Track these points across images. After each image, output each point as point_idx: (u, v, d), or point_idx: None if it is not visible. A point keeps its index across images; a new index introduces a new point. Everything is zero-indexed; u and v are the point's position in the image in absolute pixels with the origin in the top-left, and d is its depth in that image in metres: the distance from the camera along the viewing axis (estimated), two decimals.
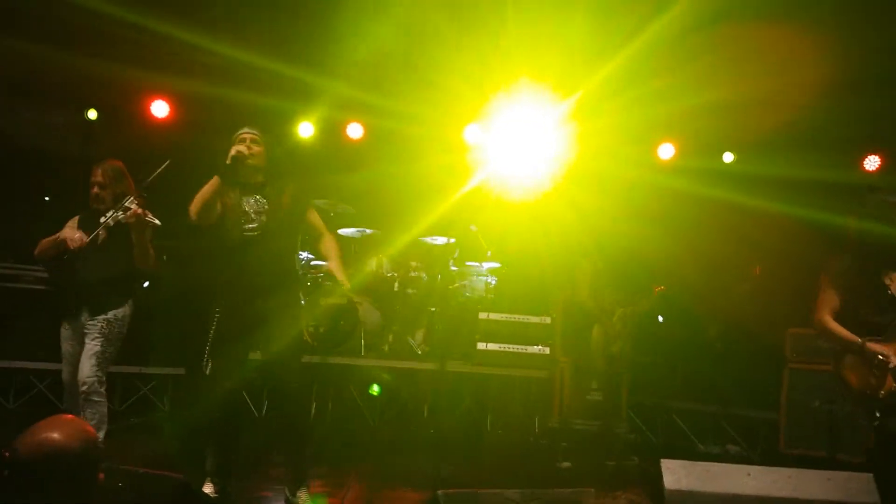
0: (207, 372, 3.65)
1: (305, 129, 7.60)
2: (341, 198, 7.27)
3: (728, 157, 7.57)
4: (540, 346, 6.52)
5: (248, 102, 6.88)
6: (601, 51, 6.02)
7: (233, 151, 3.66)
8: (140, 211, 4.01)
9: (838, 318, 3.56)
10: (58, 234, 4.21)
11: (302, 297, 3.95)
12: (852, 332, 3.49)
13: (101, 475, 2.05)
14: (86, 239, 4.09)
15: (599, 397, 6.13)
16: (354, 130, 7.71)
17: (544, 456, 5.82)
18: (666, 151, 7.59)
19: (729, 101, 6.41)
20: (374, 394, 6.63)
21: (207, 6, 6.22)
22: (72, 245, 4.09)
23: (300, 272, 4.28)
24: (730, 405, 6.55)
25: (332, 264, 3.94)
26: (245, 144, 3.77)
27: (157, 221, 4.09)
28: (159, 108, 7.21)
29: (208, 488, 3.62)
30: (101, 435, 4.00)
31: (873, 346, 3.42)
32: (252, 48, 6.52)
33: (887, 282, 3.49)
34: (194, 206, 3.66)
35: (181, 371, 6.53)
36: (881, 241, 3.53)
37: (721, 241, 7.12)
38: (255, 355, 3.80)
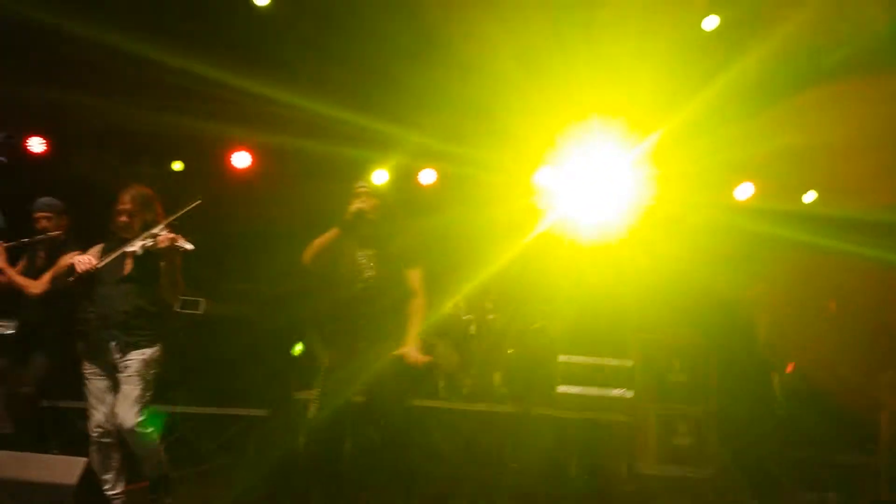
0: (312, 414, 3.71)
1: (380, 176, 7.74)
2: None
3: (810, 197, 7.38)
4: (622, 389, 6.40)
5: (324, 153, 7.10)
6: (678, 92, 6.01)
7: (353, 207, 3.79)
8: (172, 235, 3.78)
9: None
10: (69, 260, 3.97)
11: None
12: None
13: None
14: (94, 263, 3.82)
15: (687, 441, 5.96)
16: (427, 176, 7.81)
17: (633, 502, 5.67)
18: (744, 192, 7.43)
19: (811, 144, 6.30)
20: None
21: (288, 64, 6.48)
22: (79, 267, 3.78)
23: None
24: (824, 450, 6.29)
25: (411, 330, 3.88)
26: (362, 199, 3.87)
27: (189, 246, 3.81)
28: (241, 159, 7.45)
29: None
30: (163, 468, 3.91)
31: None
32: (329, 101, 6.75)
33: None
34: (310, 253, 3.80)
35: (263, 413, 6.64)
36: None
37: (800, 283, 6.94)
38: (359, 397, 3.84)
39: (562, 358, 6.59)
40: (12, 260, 4.61)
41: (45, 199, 4.77)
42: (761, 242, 6.86)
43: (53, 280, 4.15)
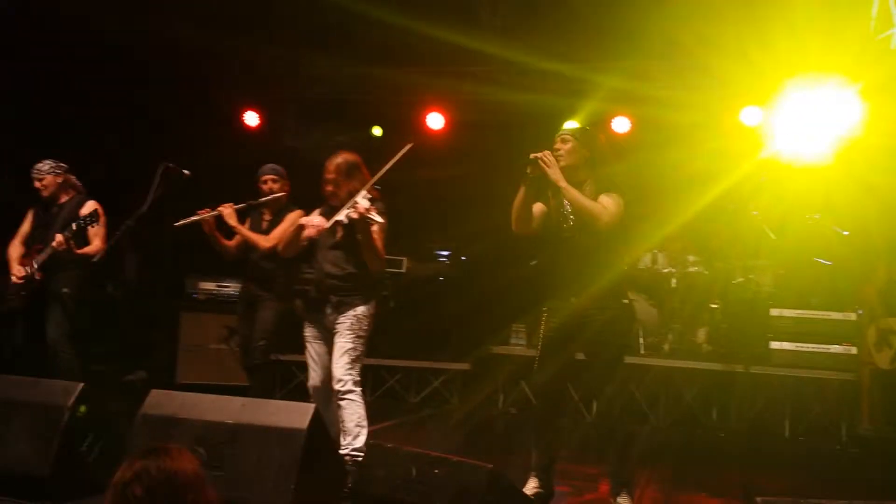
0: (535, 367, 3.72)
1: (571, 126, 7.58)
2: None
3: None
4: (844, 346, 5.89)
5: (517, 102, 7.05)
6: None
7: (531, 157, 3.61)
8: (363, 208, 3.72)
9: None
10: (300, 222, 4.08)
11: (626, 296, 3.77)
12: None
13: None
14: (325, 224, 3.91)
15: None
16: (620, 124, 7.54)
17: (857, 466, 5.24)
18: None
19: None
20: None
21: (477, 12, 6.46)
22: (308, 231, 3.93)
23: (625, 267, 4.04)
24: None
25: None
26: (557, 145, 3.70)
27: (378, 219, 3.77)
28: (435, 120, 7.61)
29: (532, 483, 3.69)
30: (361, 439, 3.83)
31: None
32: (521, 49, 6.66)
33: None
34: (513, 220, 3.71)
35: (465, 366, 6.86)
36: None
37: None
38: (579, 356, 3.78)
39: (774, 312, 6.17)
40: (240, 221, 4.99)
41: (270, 165, 5.14)
42: None
43: (283, 240, 4.26)
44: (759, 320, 6.28)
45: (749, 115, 6.91)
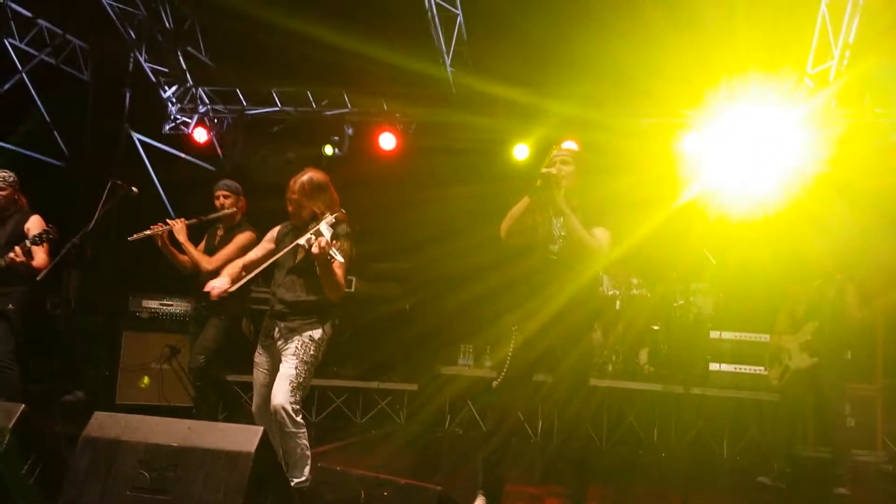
0: (494, 386, 3.73)
1: (521, 151, 7.72)
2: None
3: None
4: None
5: (465, 125, 7.16)
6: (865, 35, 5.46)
7: (543, 171, 3.61)
8: (324, 244, 3.47)
9: None
10: (227, 271, 3.91)
11: (594, 322, 3.84)
12: None
13: None
14: (226, 287, 3.76)
15: (852, 422, 5.60)
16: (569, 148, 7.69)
17: (793, 485, 5.42)
18: None
19: None
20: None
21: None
22: (213, 293, 3.77)
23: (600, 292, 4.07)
24: None
25: None
26: (557, 166, 3.72)
27: (339, 258, 3.52)
28: (387, 141, 7.65)
29: (479, 502, 3.70)
30: (306, 470, 3.66)
31: None
32: (476, 75, 6.78)
33: None
34: (504, 225, 3.69)
35: (412, 387, 6.87)
36: None
37: None
38: (539, 377, 3.82)
39: (713, 334, 6.36)
40: (193, 239, 4.96)
41: (223, 181, 5.17)
42: None
43: (227, 273, 3.97)
44: (699, 342, 6.46)
45: (688, 143, 7.10)
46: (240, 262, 3.99)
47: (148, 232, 4.72)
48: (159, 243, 4.78)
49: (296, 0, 6.30)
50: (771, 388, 5.76)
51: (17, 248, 4.62)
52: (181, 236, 4.79)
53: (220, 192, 5.05)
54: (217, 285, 3.78)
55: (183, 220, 4.83)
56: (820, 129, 6.07)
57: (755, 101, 6.13)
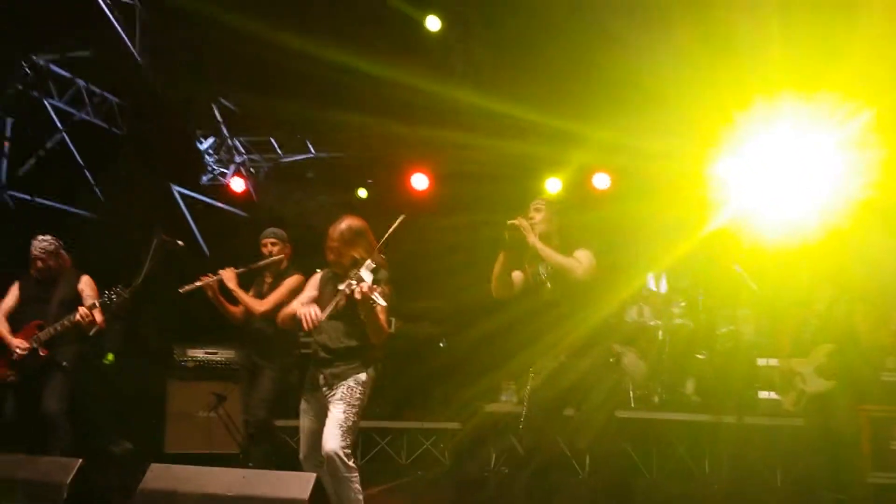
0: (521, 427, 3.75)
1: (553, 185, 7.74)
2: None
3: None
4: None
5: (498, 159, 7.19)
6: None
7: (508, 223, 3.83)
8: (367, 290, 3.52)
9: None
10: (295, 309, 3.85)
11: (612, 354, 3.91)
12: None
13: None
14: (321, 315, 3.70)
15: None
16: (601, 181, 7.70)
17: None
18: None
19: None
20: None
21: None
22: (305, 326, 3.71)
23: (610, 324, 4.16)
24: None
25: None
26: (529, 214, 3.92)
27: (382, 302, 3.55)
28: (419, 181, 7.73)
29: None
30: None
31: None
32: (504, 101, 6.82)
33: None
34: (492, 285, 3.88)
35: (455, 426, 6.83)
36: None
37: None
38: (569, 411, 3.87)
39: (760, 362, 6.26)
40: (242, 288, 5.02)
41: (270, 228, 5.25)
42: None
43: (281, 315, 4.03)
44: (746, 370, 6.36)
45: (723, 167, 7.03)
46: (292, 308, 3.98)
47: (199, 283, 4.81)
48: (210, 293, 4.85)
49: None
50: (789, 414, 5.65)
51: (81, 310, 4.76)
52: (231, 283, 4.87)
53: (267, 240, 5.12)
54: (311, 316, 3.69)
55: (232, 268, 4.91)
56: (861, 153, 5.97)
57: (792, 123, 6.07)
